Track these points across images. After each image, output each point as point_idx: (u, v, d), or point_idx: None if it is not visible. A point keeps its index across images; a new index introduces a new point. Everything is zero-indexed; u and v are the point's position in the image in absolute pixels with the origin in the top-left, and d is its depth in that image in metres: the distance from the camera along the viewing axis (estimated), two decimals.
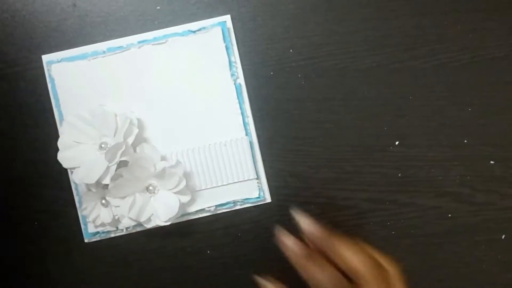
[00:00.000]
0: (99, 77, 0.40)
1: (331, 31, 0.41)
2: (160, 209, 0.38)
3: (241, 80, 0.41)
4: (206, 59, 0.40)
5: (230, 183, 0.41)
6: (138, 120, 0.40)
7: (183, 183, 0.38)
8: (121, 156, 0.37)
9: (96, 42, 0.41)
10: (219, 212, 0.41)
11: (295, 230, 0.36)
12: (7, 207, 0.42)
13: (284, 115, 0.41)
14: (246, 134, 0.41)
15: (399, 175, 0.42)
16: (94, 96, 0.40)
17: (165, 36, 0.40)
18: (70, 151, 0.38)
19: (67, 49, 0.41)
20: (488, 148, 0.42)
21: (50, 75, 0.41)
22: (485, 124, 0.42)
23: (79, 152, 0.38)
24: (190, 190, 0.40)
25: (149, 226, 0.39)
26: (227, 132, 0.41)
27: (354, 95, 0.41)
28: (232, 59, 0.41)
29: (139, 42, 0.40)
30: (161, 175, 0.38)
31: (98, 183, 0.37)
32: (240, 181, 0.41)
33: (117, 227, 0.41)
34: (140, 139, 0.39)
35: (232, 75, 0.41)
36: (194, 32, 0.40)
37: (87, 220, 0.40)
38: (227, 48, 0.40)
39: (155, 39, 0.40)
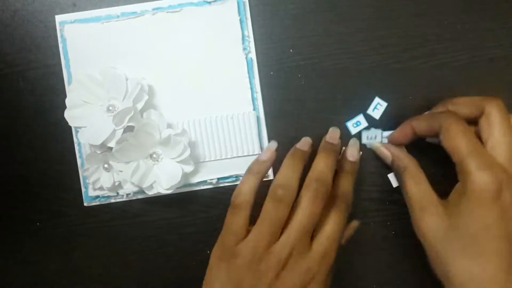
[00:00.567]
0: (111, 41, 0.40)
1: (331, 31, 0.41)
2: (163, 177, 0.38)
3: (253, 55, 0.41)
4: (219, 31, 0.40)
5: (234, 157, 0.41)
6: (148, 87, 0.39)
7: (187, 152, 0.38)
8: (128, 121, 0.37)
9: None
10: (220, 185, 0.41)
11: None
12: (7, 207, 0.42)
13: (284, 115, 0.41)
14: (254, 109, 0.41)
15: None
16: (105, 59, 0.40)
17: (180, 5, 0.40)
18: (78, 110, 0.38)
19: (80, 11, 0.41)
20: None
21: (62, 35, 0.41)
22: None
23: (87, 112, 0.38)
24: (194, 160, 0.39)
25: (150, 193, 0.39)
26: (235, 106, 0.41)
27: (354, 95, 0.41)
28: (246, 33, 0.41)
29: (153, 9, 0.40)
30: (166, 142, 0.38)
31: (103, 145, 0.37)
32: (244, 156, 0.41)
33: (117, 193, 0.41)
34: (148, 106, 0.39)
35: (244, 49, 0.41)
36: (209, 3, 0.40)
37: (87, 181, 0.40)
38: (241, 21, 0.40)
39: (170, 7, 0.40)
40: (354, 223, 0.40)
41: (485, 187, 0.32)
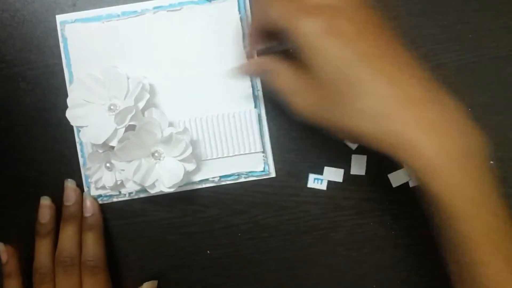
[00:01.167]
0: (112, 40, 0.40)
1: None
2: (165, 175, 0.38)
3: (254, 52, 0.41)
4: (220, 29, 0.40)
5: (235, 155, 0.41)
6: (150, 85, 0.40)
7: (189, 150, 0.38)
8: (130, 120, 0.37)
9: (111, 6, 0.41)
10: (222, 183, 0.41)
11: None
12: (7, 207, 0.42)
13: (284, 115, 0.41)
14: (255, 107, 0.41)
15: None
16: (106, 58, 0.40)
17: (181, 4, 0.40)
18: (79, 109, 0.38)
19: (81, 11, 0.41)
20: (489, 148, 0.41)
21: (63, 35, 0.40)
22: (485, 124, 0.41)
23: (88, 111, 0.38)
24: (196, 158, 0.39)
25: (153, 191, 0.39)
26: (236, 104, 0.41)
27: None
28: (246, 31, 0.41)
29: (154, 8, 0.40)
30: (168, 141, 0.38)
31: (104, 144, 0.37)
32: (246, 154, 0.41)
33: (120, 192, 0.41)
34: (149, 104, 0.39)
35: (245, 47, 0.40)
36: (209, 1, 0.40)
37: (89, 180, 0.40)
38: (241, 19, 0.40)
39: (170, 5, 0.40)
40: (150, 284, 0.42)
41: (312, 30, 0.28)
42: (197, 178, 0.41)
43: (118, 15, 0.40)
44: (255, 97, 0.41)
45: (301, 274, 0.42)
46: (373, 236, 0.42)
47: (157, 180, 0.38)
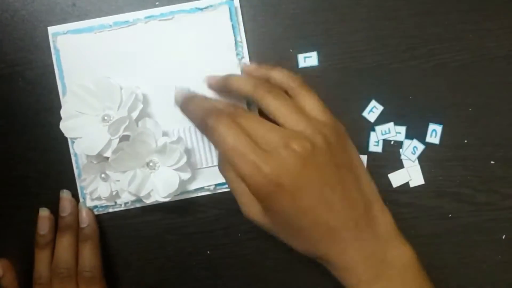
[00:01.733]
0: (104, 51, 0.40)
1: (331, 31, 0.41)
2: (160, 185, 0.38)
3: (246, 60, 0.41)
4: (212, 37, 0.40)
5: None
6: (143, 95, 0.40)
7: (184, 159, 0.38)
8: (124, 131, 0.37)
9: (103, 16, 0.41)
10: (218, 191, 0.41)
11: None
12: (7, 207, 0.42)
13: None
14: None
15: None
16: (99, 69, 0.40)
17: (172, 13, 0.40)
18: (73, 121, 0.38)
19: (73, 22, 0.41)
20: (488, 148, 0.42)
21: (55, 47, 0.41)
22: (485, 124, 0.42)
23: (82, 122, 0.38)
24: (191, 167, 0.40)
25: (148, 201, 0.39)
26: None
27: (354, 95, 0.41)
28: (238, 38, 0.41)
29: (145, 18, 0.40)
30: (162, 150, 0.38)
31: (99, 155, 0.37)
32: None
33: (115, 202, 0.41)
34: (143, 114, 0.39)
35: (238, 54, 0.41)
36: (201, 9, 0.40)
37: (85, 191, 0.40)
38: (233, 27, 0.40)
39: (162, 15, 0.40)
40: None
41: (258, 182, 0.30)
42: (192, 186, 0.41)
43: (110, 26, 0.40)
44: (248, 104, 0.41)
45: (301, 274, 0.42)
46: None
47: (152, 190, 0.38)
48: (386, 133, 0.41)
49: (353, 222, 0.32)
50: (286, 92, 0.35)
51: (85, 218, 0.41)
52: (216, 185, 0.41)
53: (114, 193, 0.39)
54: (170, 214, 0.42)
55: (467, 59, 0.41)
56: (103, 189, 0.39)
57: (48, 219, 0.40)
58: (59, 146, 0.41)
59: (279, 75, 0.35)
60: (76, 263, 0.40)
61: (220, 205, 0.42)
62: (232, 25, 0.40)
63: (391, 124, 0.41)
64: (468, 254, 0.42)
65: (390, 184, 0.42)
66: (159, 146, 0.38)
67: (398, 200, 0.42)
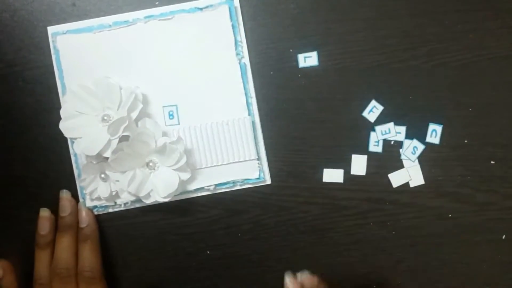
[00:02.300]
0: (104, 51, 0.40)
1: (331, 31, 0.41)
2: (160, 185, 0.38)
3: (246, 60, 0.41)
4: (212, 37, 0.40)
5: (230, 163, 0.41)
6: (142, 95, 0.40)
7: (184, 159, 0.38)
8: (123, 131, 0.37)
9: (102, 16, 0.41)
10: (218, 191, 0.41)
11: None
12: (7, 207, 0.42)
13: (284, 115, 0.41)
14: (249, 114, 0.41)
15: None
16: (99, 69, 0.40)
17: (172, 12, 0.40)
18: (72, 121, 0.38)
19: (72, 22, 0.41)
20: (488, 148, 0.42)
21: (55, 47, 0.41)
22: (485, 124, 0.42)
23: (81, 122, 0.38)
24: (190, 167, 0.40)
25: (148, 201, 0.39)
26: (229, 111, 0.41)
27: (354, 95, 0.41)
28: (238, 38, 0.41)
29: (145, 17, 0.40)
30: (162, 150, 0.38)
31: (98, 155, 0.37)
32: (241, 161, 0.41)
33: (115, 202, 0.41)
34: (142, 114, 0.39)
35: (238, 54, 0.41)
36: (201, 9, 0.40)
37: (84, 191, 0.40)
38: (233, 27, 0.40)
39: (161, 14, 0.40)
40: None
41: None
42: (192, 187, 0.41)
43: (110, 25, 0.40)
44: (248, 105, 0.41)
45: None
46: (373, 236, 0.42)
47: (152, 190, 0.38)
48: (386, 133, 0.41)
49: None
50: None
51: (84, 218, 0.40)
52: (216, 185, 0.41)
53: (113, 193, 0.39)
54: (170, 214, 0.42)
55: (467, 59, 0.41)
56: (102, 189, 0.39)
57: (48, 220, 0.40)
58: (59, 146, 0.41)
59: None
60: (76, 263, 0.40)
61: (220, 205, 0.42)
62: (232, 25, 0.40)
63: (391, 124, 0.41)
64: (468, 254, 0.42)
65: (390, 184, 0.42)
66: (158, 146, 0.38)
67: (398, 200, 0.42)
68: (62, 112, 0.38)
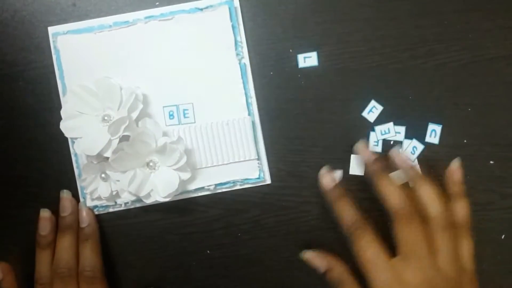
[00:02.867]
0: (104, 51, 0.40)
1: (331, 31, 0.41)
2: (160, 185, 0.38)
3: (246, 60, 0.41)
4: (212, 37, 0.40)
5: (230, 163, 0.41)
6: (143, 95, 0.40)
7: (184, 159, 0.38)
8: (124, 131, 0.37)
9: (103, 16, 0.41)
10: (218, 191, 0.41)
11: None
12: (8, 207, 0.42)
13: (284, 115, 0.41)
14: (249, 114, 0.41)
15: None
16: (99, 69, 0.40)
17: (172, 13, 0.40)
18: (73, 121, 0.38)
19: (73, 22, 0.41)
20: (487, 148, 0.42)
21: (55, 47, 0.41)
22: (484, 124, 0.42)
23: (82, 122, 0.38)
24: (191, 167, 0.40)
25: (148, 201, 0.39)
26: (229, 112, 0.41)
27: (354, 95, 0.41)
28: (238, 38, 0.41)
29: (145, 18, 0.40)
30: (162, 150, 0.38)
31: (99, 155, 0.37)
32: (241, 161, 0.41)
33: (115, 202, 0.41)
34: (143, 114, 0.39)
35: (237, 54, 0.41)
36: (201, 9, 0.40)
37: (85, 191, 0.40)
38: (233, 27, 0.40)
39: (161, 15, 0.40)
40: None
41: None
42: (192, 186, 0.41)
43: (110, 26, 0.40)
44: (248, 105, 0.41)
45: (301, 274, 0.42)
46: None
47: (152, 190, 0.39)
48: (385, 133, 0.41)
49: None
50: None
51: (85, 218, 0.41)
52: (216, 185, 0.41)
53: (114, 193, 0.39)
54: (170, 214, 0.42)
55: (467, 59, 0.41)
56: (103, 189, 0.39)
57: (49, 220, 0.40)
58: (59, 146, 0.41)
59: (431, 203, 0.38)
60: (76, 263, 0.40)
61: (220, 205, 0.42)
62: (232, 25, 0.40)
63: (391, 124, 0.41)
64: None
65: None
66: (159, 146, 0.38)
67: None
68: (62, 112, 0.38)
